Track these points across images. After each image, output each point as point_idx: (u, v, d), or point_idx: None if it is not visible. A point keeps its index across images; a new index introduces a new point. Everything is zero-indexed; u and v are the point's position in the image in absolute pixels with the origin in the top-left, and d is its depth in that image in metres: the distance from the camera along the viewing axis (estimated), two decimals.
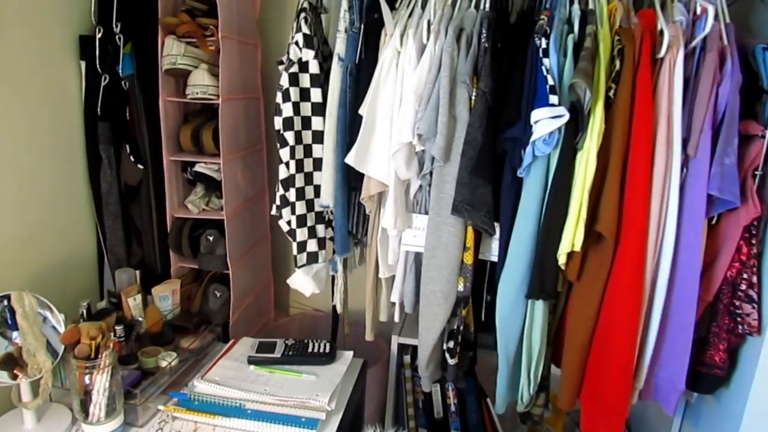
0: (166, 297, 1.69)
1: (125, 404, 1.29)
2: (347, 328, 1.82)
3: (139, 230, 1.77)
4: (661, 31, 1.26)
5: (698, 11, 1.27)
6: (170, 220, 1.74)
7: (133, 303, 1.58)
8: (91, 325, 1.25)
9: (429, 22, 1.35)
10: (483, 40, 1.29)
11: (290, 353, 1.57)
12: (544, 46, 1.24)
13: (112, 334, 1.43)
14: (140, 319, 1.58)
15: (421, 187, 1.44)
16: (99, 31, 1.59)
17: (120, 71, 1.61)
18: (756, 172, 1.29)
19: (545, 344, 1.42)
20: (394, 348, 1.84)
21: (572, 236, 1.26)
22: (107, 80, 1.61)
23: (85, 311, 1.48)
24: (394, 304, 1.60)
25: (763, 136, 1.26)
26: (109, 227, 1.72)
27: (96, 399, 1.22)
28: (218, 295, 1.77)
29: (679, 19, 1.28)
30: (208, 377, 1.46)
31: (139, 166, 1.68)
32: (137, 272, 1.68)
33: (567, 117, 1.22)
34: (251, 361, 1.53)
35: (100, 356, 1.21)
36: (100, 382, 1.21)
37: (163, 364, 1.42)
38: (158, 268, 1.78)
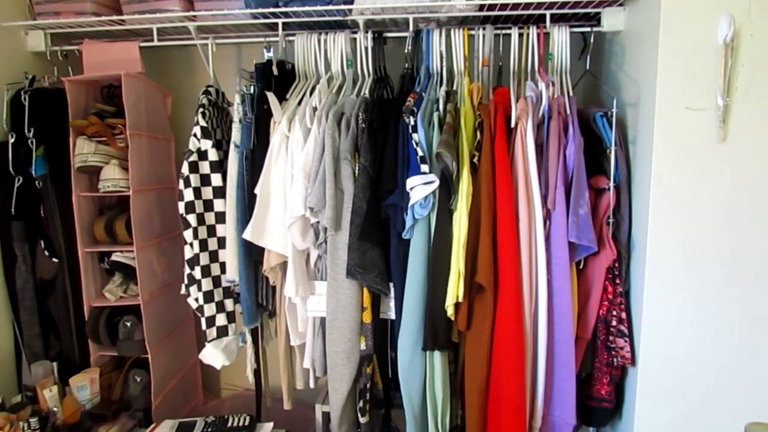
0: (84, 387, 1.70)
1: None
2: (268, 401, 1.86)
3: (56, 323, 1.80)
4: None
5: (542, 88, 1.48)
6: (87, 310, 1.78)
7: (48, 395, 1.60)
8: None
9: (314, 108, 1.52)
10: (360, 121, 1.46)
11: (209, 430, 1.60)
12: (412, 123, 1.42)
13: (25, 425, 1.44)
14: (56, 410, 1.58)
15: (320, 256, 1.56)
16: (12, 137, 1.69)
17: (33, 172, 1.70)
18: (609, 220, 1.47)
19: (448, 393, 1.51)
20: (318, 416, 1.87)
21: (455, 289, 1.39)
22: (20, 181, 1.70)
23: None
24: (308, 370, 1.66)
25: (610, 188, 1.45)
26: (25, 322, 1.75)
27: None
28: (138, 380, 1.79)
29: (529, 94, 1.49)
30: None
31: (54, 260, 1.74)
32: (54, 364, 1.70)
33: (437, 182, 1.39)
34: None
35: None
36: None
37: None
38: (77, 358, 1.80)
